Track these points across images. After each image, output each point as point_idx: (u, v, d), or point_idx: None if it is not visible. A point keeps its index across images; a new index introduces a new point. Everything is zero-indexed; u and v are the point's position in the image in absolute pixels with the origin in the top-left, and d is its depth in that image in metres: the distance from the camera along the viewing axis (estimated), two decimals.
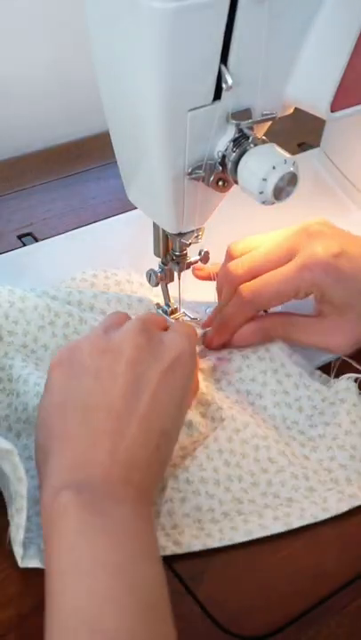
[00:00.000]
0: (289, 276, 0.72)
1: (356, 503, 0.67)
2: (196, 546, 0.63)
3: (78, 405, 0.61)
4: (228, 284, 0.75)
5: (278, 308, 0.79)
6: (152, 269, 0.77)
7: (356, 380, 0.74)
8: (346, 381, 0.74)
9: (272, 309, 0.78)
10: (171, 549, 0.63)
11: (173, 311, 0.80)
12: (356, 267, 0.72)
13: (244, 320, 0.76)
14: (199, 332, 0.79)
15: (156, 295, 0.82)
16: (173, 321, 0.78)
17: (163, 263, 0.76)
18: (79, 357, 0.63)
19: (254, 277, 0.74)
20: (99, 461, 0.58)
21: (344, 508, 0.66)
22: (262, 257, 0.74)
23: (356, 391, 0.74)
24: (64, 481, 0.57)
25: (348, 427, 0.71)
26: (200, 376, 0.74)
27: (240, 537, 0.64)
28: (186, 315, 0.80)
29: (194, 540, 0.63)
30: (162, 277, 0.77)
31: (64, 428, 0.60)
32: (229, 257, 0.77)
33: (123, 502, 0.57)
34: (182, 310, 0.80)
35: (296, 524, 0.65)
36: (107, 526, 0.55)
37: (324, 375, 0.77)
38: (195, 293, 0.83)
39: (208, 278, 0.81)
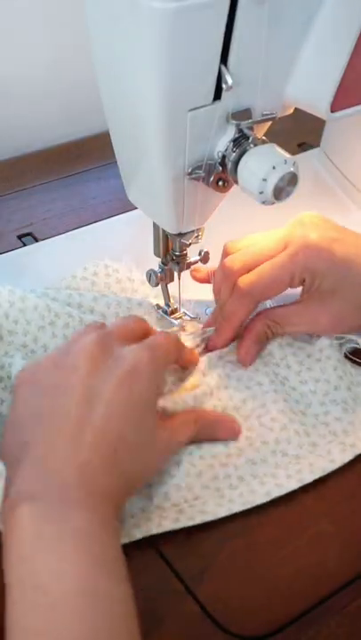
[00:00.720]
0: (283, 262, 0.72)
1: (357, 452, 0.70)
2: (222, 511, 0.65)
3: (37, 420, 0.61)
4: (225, 279, 0.75)
5: (268, 304, 0.79)
6: (152, 269, 0.77)
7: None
8: (328, 339, 0.76)
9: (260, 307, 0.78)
10: (200, 518, 0.65)
11: (173, 311, 0.80)
12: (348, 252, 0.72)
13: (244, 314, 0.75)
14: (197, 339, 0.79)
15: (156, 296, 0.83)
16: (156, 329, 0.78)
17: (163, 263, 0.76)
18: (38, 375, 0.64)
19: (249, 271, 0.74)
20: (55, 469, 0.58)
21: (348, 457, 0.70)
22: (257, 250, 0.74)
23: (339, 347, 0.77)
24: (21, 492, 0.57)
25: (336, 382, 0.74)
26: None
27: (260, 498, 0.66)
28: (186, 314, 0.80)
29: (218, 508, 0.65)
30: (162, 277, 0.77)
31: (23, 441, 0.60)
32: (226, 255, 0.77)
33: (80, 507, 0.56)
34: (182, 310, 0.80)
35: (308, 478, 0.68)
36: (63, 533, 0.54)
37: (305, 335, 0.78)
38: (195, 293, 0.83)
39: (206, 280, 0.81)
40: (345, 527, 0.66)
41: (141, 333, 0.70)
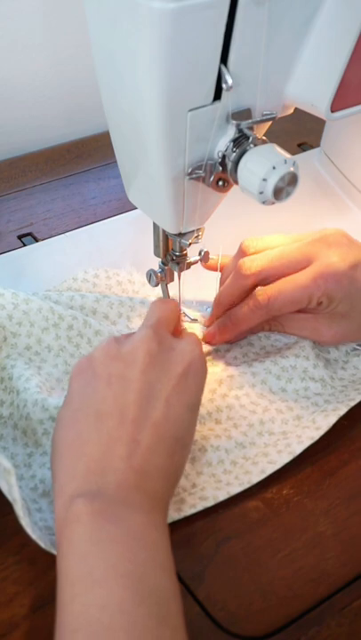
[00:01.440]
0: (305, 284, 0.73)
1: (341, 413, 0.72)
2: (222, 495, 0.66)
3: (91, 412, 0.61)
4: (239, 279, 0.75)
5: None
6: (152, 270, 0.77)
7: None
8: None
9: None
10: (201, 505, 0.65)
11: None
12: None
13: (255, 324, 0.77)
14: (200, 332, 0.79)
15: (157, 296, 0.82)
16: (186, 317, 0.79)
17: (163, 263, 0.76)
18: (93, 366, 0.64)
19: (266, 278, 0.75)
20: (113, 468, 0.58)
21: (333, 420, 0.71)
22: (278, 260, 0.74)
23: None
24: (77, 489, 0.57)
25: (314, 360, 0.76)
26: None
27: (256, 477, 0.68)
28: (186, 315, 0.80)
29: (218, 492, 0.66)
30: (162, 278, 0.77)
31: (77, 436, 0.60)
32: (242, 253, 0.77)
33: (137, 510, 0.56)
34: (183, 311, 0.80)
35: (299, 449, 0.69)
36: (120, 534, 0.54)
37: None
38: (195, 293, 0.83)
39: (214, 269, 0.81)
40: (344, 528, 0.66)
41: (177, 316, 0.71)
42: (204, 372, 0.66)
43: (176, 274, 0.77)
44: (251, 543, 0.64)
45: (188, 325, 0.80)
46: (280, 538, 0.65)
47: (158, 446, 0.60)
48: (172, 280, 0.78)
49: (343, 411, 0.72)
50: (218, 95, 0.58)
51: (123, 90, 0.59)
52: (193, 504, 0.65)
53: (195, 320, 0.80)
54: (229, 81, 0.56)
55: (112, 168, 0.72)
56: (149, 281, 0.78)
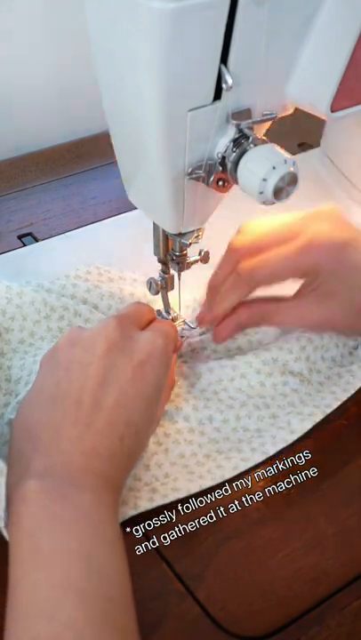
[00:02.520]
0: (289, 254, 0.71)
1: (317, 419, 0.72)
2: (194, 487, 0.66)
3: (46, 396, 0.62)
4: (227, 254, 0.75)
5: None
6: (152, 278, 0.77)
7: None
8: None
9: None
10: (173, 496, 0.66)
11: (174, 319, 0.80)
12: (359, 259, 0.71)
13: (238, 298, 0.75)
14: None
15: (147, 295, 0.83)
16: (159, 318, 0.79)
17: (162, 263, 0.76)
18: (57, 354, 0.65)
19: (254, 253, 0.73)
20: (61, 449, 0.59)
21: (308, 426, 0.71)
22: (266, 234, 0.73)
23: None
24: (26, 470, 0.58)
25: (298, 353, 0.75)
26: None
27: (229, 473, 0.68)
28: (186, 323, 0.80)
29: (190, 484, 0.67)
30: (162, 286, 0.77)
31: (30, 420, 0.62)
32: (238, 234, 0.76)
33: (85, 490, 0.57)
34: (183, 319, 0.80)
35: (272, 450, 0.70)
36: (67, 513, 0.55)
37: None
38: (196, 294, 0.83)
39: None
40: (344, 528, 0.66)
41: (151, 318, 0.72)
42: (165, 363, 0.67)
43: (176, 275, 0.77)
44: (251, 543, 0.64)
45: (187, 333, 0.80)
46: (280, 538, 0.65)
47: (108, 430, 0.61)
48: (172, 288, 0.78)
49: (319, 417, 0.72)
50: (218, 95, 0.58)
51: (123, 90, 0.59)
52: (165, 494, 0.66)
53: (194, 328, 0.80)
54: (229, 81, 0.56)
55: (112, 168, 0.72)
56: (149, 289, 0.78)
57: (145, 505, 0.65)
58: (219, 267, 0.76)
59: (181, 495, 0.66)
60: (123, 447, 0.61)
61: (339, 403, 0.74)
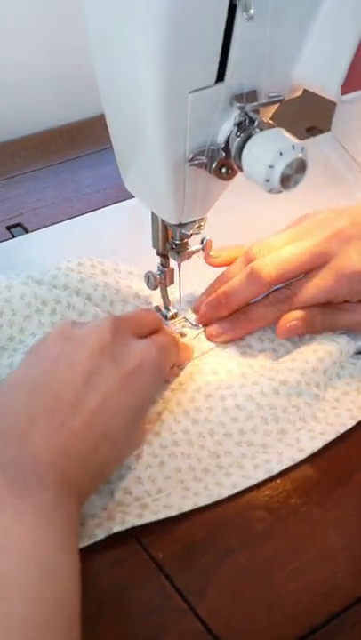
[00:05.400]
0: (327, 286, 0.77)
1: (328, 439, 0.72)
2: (188, 506, 0.66)
3: (26, 387, 0.63)
4: (254, 282, 0.77)
5: None
6: (150, 272, 0.78)
7: None
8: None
9: None
10: (164, 513, 0.66)
11: (173, 316, 0.81)
12: None
13: (274, 322, 0.79)
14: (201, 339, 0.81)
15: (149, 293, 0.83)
16: (166, 326, 0.79)
17: (161, 256, 0.76)
18: (45, 344, 0.66)
19: (284, 280, 0.77)
20: (31, 442, 0.59)
21: (318, 445, 0.71)
22: (295, 261, 0.76)
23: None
24: None
25: (315, 364, 0.76)
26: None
27: (227, 491, 0.68)
28: (187, 320, 0.80)
29: (184, 501, 0.67)
30: (161, 280, 0.78)
31: (8, 406, 0.62)
32: (249, 260, 0.79)
33: (48, 488, 0.58)
34: (183, 316, 0.81)
35: (276, 469, 0.69)
36: (26, 508, 0.56)
37: None
38: (196, 288, 0.83)
39: (218, 266, 0.82)
40: (355, 540, 0.66)
41: (154, 328, 0.73)
42: (156, 377, 0.68)
43: (176, 266, 0.77)
44: (256, 555, 0.64)
45: (189, 331, 0.81)
46: (287, 550, 0.65)
47: (83, 434, 0.61)
48: (172, 282, 0.79)
49: (332, 437, 0.72)
50: (221, 76, 0.58)
51: (119, 70, 0.59)
52: (156, 511, 0.66)
53: (196, 325, 0.81)
54: (252, 10, 0.54)
55: (108, 154, 0.72)
56: (147, 284, 0.78)
57: (132, 521, 0.65)
58: (243, 291, 0.78)
59: (173, 513, 0.66)
60: (96, 456, 0.62)
61: (354, 422, 0.74)
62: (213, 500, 0.67)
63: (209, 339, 0.80)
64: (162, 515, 0.65)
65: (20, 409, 0.62)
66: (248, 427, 0.72)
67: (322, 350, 0.77)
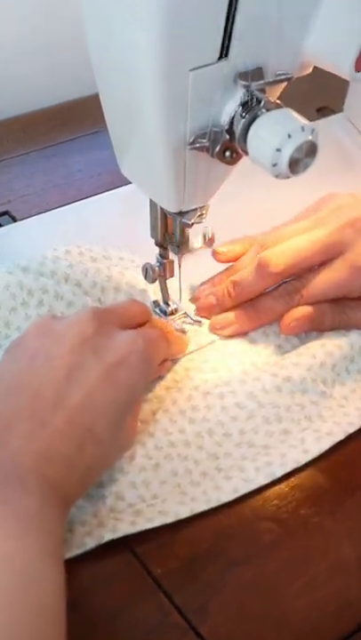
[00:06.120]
0: (339, 279, 0.77)
1: (335, 440, 0.72)
2: (184, 512, 0.67)
3: (6, 385, 0.63)
4: (263, 274, 0.78)
5: None
6: (148, 263, 0.78)
7: None
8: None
9: None
10: (159, 520, 0.66)
11: (173, 312, 0.81)
12: None
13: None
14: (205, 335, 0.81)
15: (137, 267, 0.84)
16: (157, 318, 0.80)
17: (160, 246, 0.76)
18: (23, 341, 0.67)
19: (293, 273, 0.78)
20: (10, 445, 0.60)
21: (325, 446, 0.72)
22: (306, 252, 0.77)
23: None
24: None
25: (323, 358, 0.76)
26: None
27: (226, 496, 0.68)
28: (187, 316, 0.81)
29: (180, 507, 0.67)
30: (160, 273, 0.78)
31: None
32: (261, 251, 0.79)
33: (30, 493, 0.58)
34: (184, 312, 0.81)
35: (279, 472, 0.70)
36: (7, 514, 0.56)
37: None
38: (199, 282, 0.83)
39: (226, 262, 0.83)
40: None
41: (142, 321, 0.73)
42: (143, 371, 0.68)
43: (176, 260, 0.77)
44: (262, 570, 0.64)
45: (190, 328, 0.81)
46: (296, 563, 0.65)
47: (67, 434, 0.61)
48: (171, 275, 0.79)
49: (339, 437, 0.72)
50: (224, 52, 0.58)
51: (115, 45, 0.59)
52: (150, 518, 0.66)
53: (198, 321, 0.81)
54: None
55: (102, 136, 0.72)
56: (145, 277, 0.78)
57: (125, 529, 0.65)
58: (252, 283, 0.79)
59: (169, 520, 0.66)
60: (82, 457, 0.62)
61: None
62: (212, 505, 0.67)
63: (213, 331, 0.81)
64: (157, 522, 0.66)
65: (1, 408, 0.62)
66: (249, 426, 0.72)
67: (331, 344, 0.77)
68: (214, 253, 0.81)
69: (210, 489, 0.69)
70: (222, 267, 0.83)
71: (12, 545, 0.55)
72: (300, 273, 0.78)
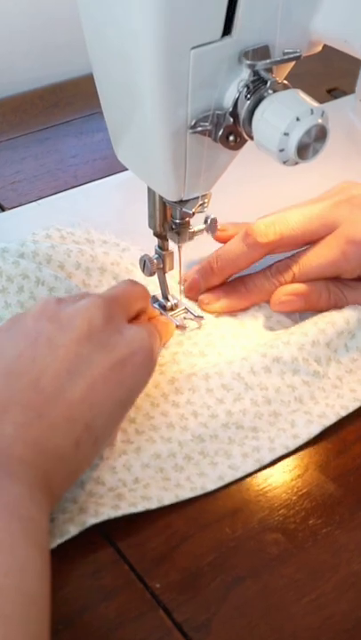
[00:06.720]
0: (333, 256, 0.77)
1: (327, 423, 0.73)
2: (168, 498, 0.67)
3: (3, 368, 0.63)
4: (249, 244, 0.78)
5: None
6: (146, 255, 0.78)
7: None
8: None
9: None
10: (142, 505, 0.66)
11: (173, 307, 0.81)
12: None
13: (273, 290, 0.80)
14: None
15: (124, 249, 0.84)
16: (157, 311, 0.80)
17: (159, 237, 0.76)
18: (24, 322, 0.67)
19: (283, 246, 0.78)
20: (3, 432, 0.60)
21: (315, 431, 0.72)
22: (298, 226, 0.77)
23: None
24: None
25: (315, 336, 0.77)
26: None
27: (212, 484, 0.69)
28: (188, 311, 0.80)
29: (164, 493, 0.68)
30: (158, 265, 0.77)
31: None
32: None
33: (18, 482, 0.58)
34: (184, 307, 0.81)
35: (268, 458, 0.71)
36: None
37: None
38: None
39: (225, 242, 0.83)
40: None
41: (143, 306, 0.74)
42: (148, 368, 0.69)
43: (176, 251, 0.77)
44: (268, 585, 0.64)
45: (191, 323, 0.81)
46: (305, 578, 0.65)
47: (64, 427, 0.62)
48: (171, 268, 0.79)
49: (331, 420, 0.73)
50: (228, 29, 0.58)
51: (111, 23, 0.59)
52: (133, 502, 0.66)
53: (200, 317, 0.80)
54: None
55: (97, 119, 0.72)
56: (143, 269, 0.78)
57: (108, 512, 0.65)
58: (236, 254, 0.80)
59: (153, 505, 0.66)
60: (76, 452, 0.62)
61: (358, 404, 0.74)
62: (198, 493, 0.68)
63: (201, 307, 0.81)
64: (140, 507, 0.66)
65: None
66: (236, 408, 0.73)
67: (323, 321, 0.77)
68: (212, 228, 0.81)
69: (194, 475, 0.69)
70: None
71: None
72: (289, 248, 0.79)
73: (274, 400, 0.74)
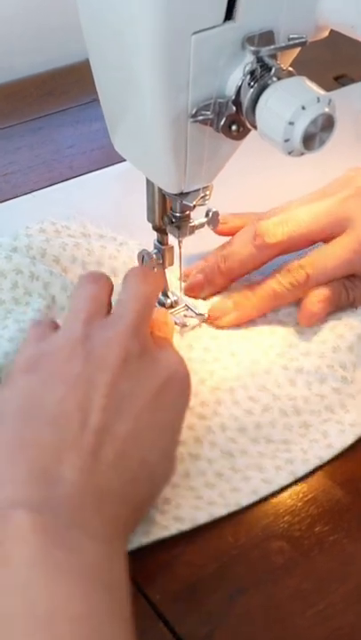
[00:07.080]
0: (347, 257, 0.77)
1: (359, 432, 0.73)
2: (203, 517, 0.67)
3: (44, 414, 0.62)
4: (258, 245, 0.78)
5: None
6: (145, 250, 0.78)
7: None
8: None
9: None
10: (175, 527, 0.66)
11: (173, 305, 0.81)
12: None
13: (290, 302, 0.80)
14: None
15: (122, 244, 0.84)
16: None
17: (158, 231, 0.76)
18: (52, 362, 0.65)
19: (292, 246, 0.78)
20: (64, 479, 0.58)
21: (349, 440, 0.72)
22: (307, 224, 0.78)
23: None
24: (15, 495, 0.57)
25: (335, 342, 0.77)
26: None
27: (246, 499, 0.68)
28: (189, 309, 0.80)
29: (197, 512, 0.67)
30: (158, 261, 0.77)
31: (20, 437, 0.61)
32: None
33: (94, 537, 0.57)
34: (185, 304, 0.81)
35: (302, 471, 0.70)
36: (72, 566, 0.54)
37: None
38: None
39: (228, 235, 0.83)
40: None
41: (161, 322, 0.73)
42: (187, 391, 0.68)
43: (176, 246, 0.77)
44: (273, 595, 0.64)
45: (191, 322, 0.81)
46: (311, 589, 0.65)
47: (120, 466, 0.61)
48: (171, 264, 0.79)
49: None
50: (230, 13, 0.58)
51: (109, 7, 0.59)
52: (165, 525, 0.66)
53: (201, 315, 0.80)
54: None
55: (95, 107, 0.72)
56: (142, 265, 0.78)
57: (139, 540, 0.65)
58: (244, 255, 0.80)
59: (185, 527, 0.66)
60: (136, 490, 0.62)
61: None
62: (232, 509, 0.67)
63: (211, 323, 0.81)
64: (173, 529, 0.65)
65: (42, 440, 0.60)
66: (265, 420, 0.73)
67: (341, 325, 0.78)
68: (214, 222, 0.81)
69: (227, 491, 0.69)
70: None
71: (78, 605, 0.53)
72: (298, 247, 0.79)
73: (303, 410, 0.74)
